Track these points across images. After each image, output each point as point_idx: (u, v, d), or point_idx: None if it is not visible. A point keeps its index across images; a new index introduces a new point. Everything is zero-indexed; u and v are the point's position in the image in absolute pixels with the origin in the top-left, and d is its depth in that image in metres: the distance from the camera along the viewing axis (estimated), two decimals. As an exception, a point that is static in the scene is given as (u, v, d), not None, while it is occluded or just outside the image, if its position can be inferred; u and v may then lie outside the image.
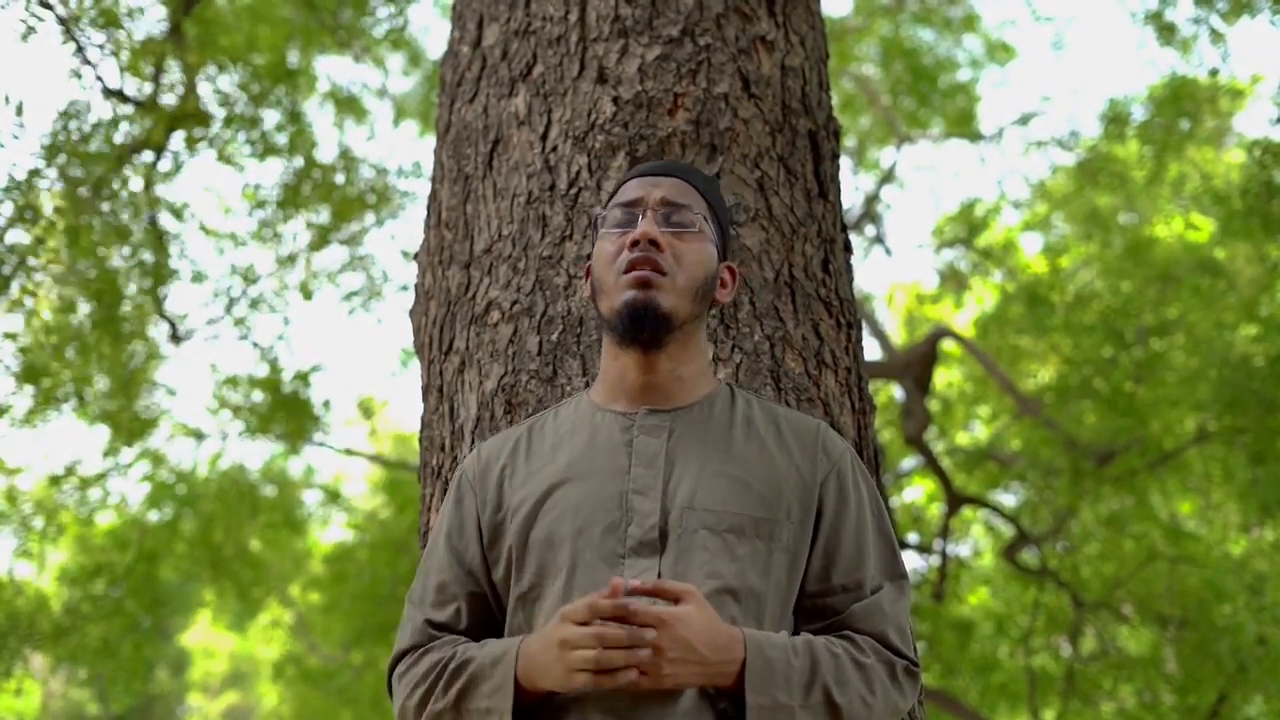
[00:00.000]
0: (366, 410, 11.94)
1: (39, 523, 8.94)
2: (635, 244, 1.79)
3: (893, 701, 1.67)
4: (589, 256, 2.01)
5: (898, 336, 13.16)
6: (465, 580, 1.79)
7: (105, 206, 6.71)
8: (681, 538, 1.68)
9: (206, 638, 18.07)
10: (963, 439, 11.74)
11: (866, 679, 1.64)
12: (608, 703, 1.56)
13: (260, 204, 7.60)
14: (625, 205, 1.87)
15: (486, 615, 1.79)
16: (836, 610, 1.73)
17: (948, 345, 10.63)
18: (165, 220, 7.32)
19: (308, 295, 8.15)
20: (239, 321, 8.05)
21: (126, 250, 7.13)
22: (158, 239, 7.23)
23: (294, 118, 7.47)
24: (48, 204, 6.48)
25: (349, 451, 12.16)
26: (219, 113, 7.07)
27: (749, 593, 1.66)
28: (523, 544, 1.74)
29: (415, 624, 1.79)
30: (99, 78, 6.50)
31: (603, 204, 2.00)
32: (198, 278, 7.68)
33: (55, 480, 8.51)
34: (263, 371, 8.77)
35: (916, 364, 9.46)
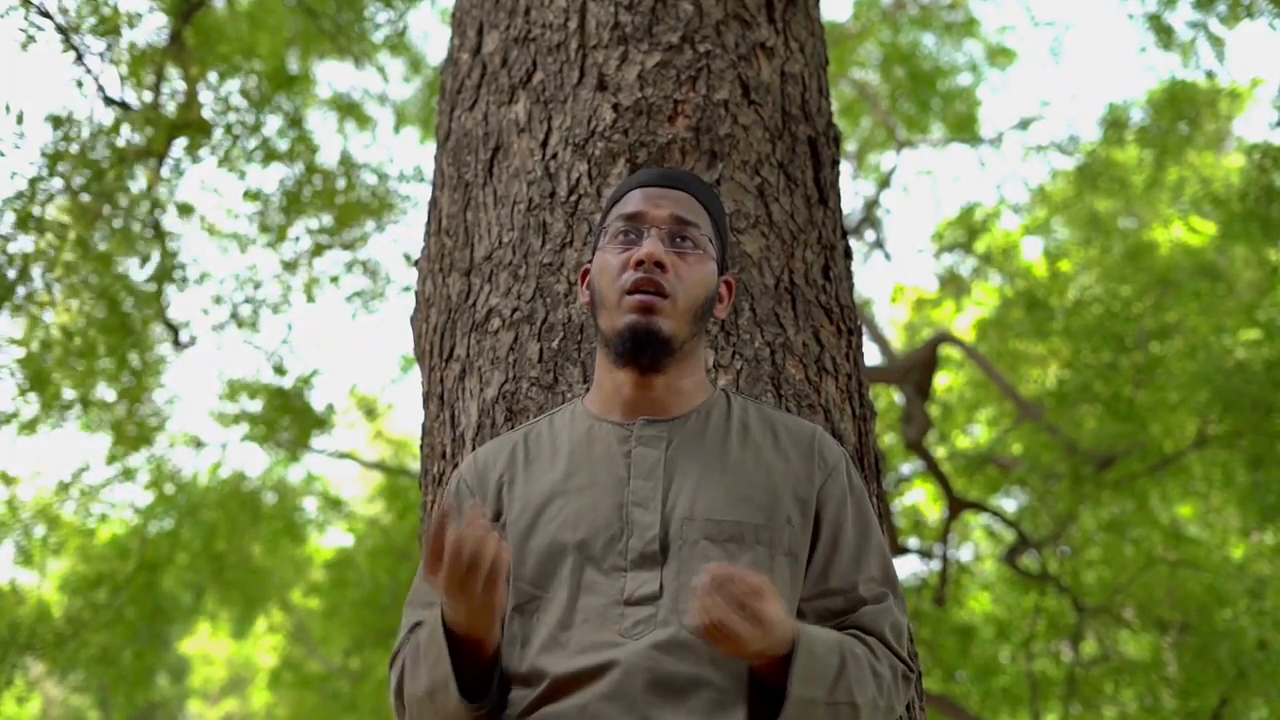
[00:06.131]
0: (368, 410, 11.88)
1: (40, 530, 8.94)
2: (639, 264, 1.78)
3: (895, 705, 1.69)
4: (588, 261, 2.01)
5: (898, 341, 13.16)
6: None
7: (109, 210, 6.70)
8: (682, 549, 1.68)
9: (205, 645, 18.04)
10: (963, 444, 11.72)
11: (879, 682, 1.65)
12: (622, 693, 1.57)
13: (264, 204, 7.59)
14: (629, 218, 1.85)
15: None
16: (833, 612, 1.74)
17: (948, 350, 10.63)
18: (169, 221, 7.33)
19: (311, 298, 8.15)
20: (243, 324, 8.04)
21: (131, 256, 7.12)
22: (160, 241, 7.23)
23: (295, 124, 7.47)
24: (50, 212, 6.48)
25: (348, 456, 12.14)
26: (220, 120, 7.07)
27: None
28: (521, 554, 1.74)
29: (408, 626, 1.79)
30: (100, 86, 6.50)
31: (602, 207, 1.98)
32: (202, 279, 7.68)
33: (63, 487, 8.50)
34: (266, 376, 8.77)
35: (917, 369, 9.45)
